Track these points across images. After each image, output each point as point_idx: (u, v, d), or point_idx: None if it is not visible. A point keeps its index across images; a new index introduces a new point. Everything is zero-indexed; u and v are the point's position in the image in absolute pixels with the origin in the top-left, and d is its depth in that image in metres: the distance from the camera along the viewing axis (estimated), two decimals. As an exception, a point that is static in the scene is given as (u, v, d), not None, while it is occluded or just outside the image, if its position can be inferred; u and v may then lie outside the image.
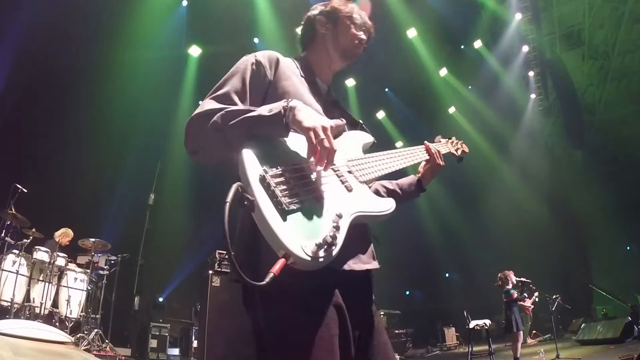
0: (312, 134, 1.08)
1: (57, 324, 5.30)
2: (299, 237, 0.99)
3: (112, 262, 6.74)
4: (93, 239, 6.20)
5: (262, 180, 1.02)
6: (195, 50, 9.92)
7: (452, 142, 1.88)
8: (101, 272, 6.46)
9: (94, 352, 5.11)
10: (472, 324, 7.24)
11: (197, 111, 1.21)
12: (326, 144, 1.08)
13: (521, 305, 7.44)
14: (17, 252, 5.08)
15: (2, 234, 5.20)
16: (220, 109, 1.17)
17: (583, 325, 10.03)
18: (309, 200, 1.08)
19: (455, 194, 13.93)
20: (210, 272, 5.10)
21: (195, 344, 6.93)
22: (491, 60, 14.48)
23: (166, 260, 9.68)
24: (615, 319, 9.55)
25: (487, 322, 7.10)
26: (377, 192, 1.57)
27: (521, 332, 6.66)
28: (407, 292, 18.03)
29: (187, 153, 1.23)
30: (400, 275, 13.99)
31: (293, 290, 1.06)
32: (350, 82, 11.92)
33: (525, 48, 14.75)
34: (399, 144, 13.23)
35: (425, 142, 1.70)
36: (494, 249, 14.13)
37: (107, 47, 8.05)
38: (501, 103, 14.77)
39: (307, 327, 1.09)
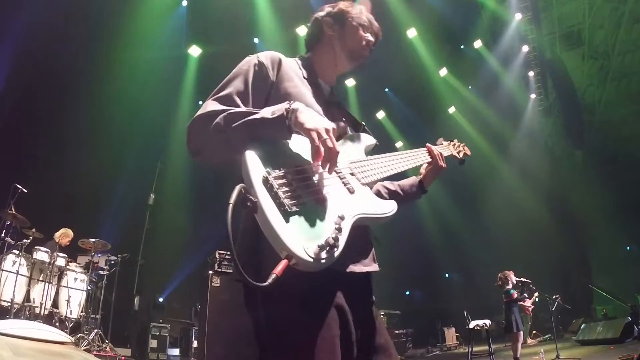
0: (314, 136, 1.09)
1: (57, 324, 5.29)
2: (301, 238, 0.99)
3: (112, 262, 6.74)
4: (93, 239, 6.20)
5: (265, 181, 1.03)
6: (195, 50, 9.93)
7: (454, 144, 1.88)
8: (101, 272, 6.46)
9: (94, 352, 5.11)
10: (472, 324, 7.23)
11: (199, 112, 1.21)
12: (329, 144, 1.08)
13: (521, 306, 7.44)
14: (17, 252, 5.07)
15: (2, 234, 5.20)
16: (223, 111, 1.17)
17: (583, 325, 10.01)
18: (311, 201, 1.08)
19: (455, 194, 13.90)
20: (210, 272, 5.09)
21: (195, 344, 6.93)
22: (491, 60, 14.47)
23: (166, 260, 9.68)
24: (615, 319, 9.54)
25: (487, 322, 7.10)
26: (378, 193, 1.58)
27: (521, 332, 6.65)
28: (407, 292, 18.03)
29: (187, 153, 1.24)
30: (400, 275, 13.98)
31: (294, 291, 1.07)
32: (350, 82, 11.91)
33: (525, 48, 14.75)
34: (399, 144, 13.24)
35: (428, 144, 1.71)
36: (494, 249, 14.11)
37: (107, 47, 8.05)
38: (501, 103, 14.76)
39: (309, 327, 1.09)
